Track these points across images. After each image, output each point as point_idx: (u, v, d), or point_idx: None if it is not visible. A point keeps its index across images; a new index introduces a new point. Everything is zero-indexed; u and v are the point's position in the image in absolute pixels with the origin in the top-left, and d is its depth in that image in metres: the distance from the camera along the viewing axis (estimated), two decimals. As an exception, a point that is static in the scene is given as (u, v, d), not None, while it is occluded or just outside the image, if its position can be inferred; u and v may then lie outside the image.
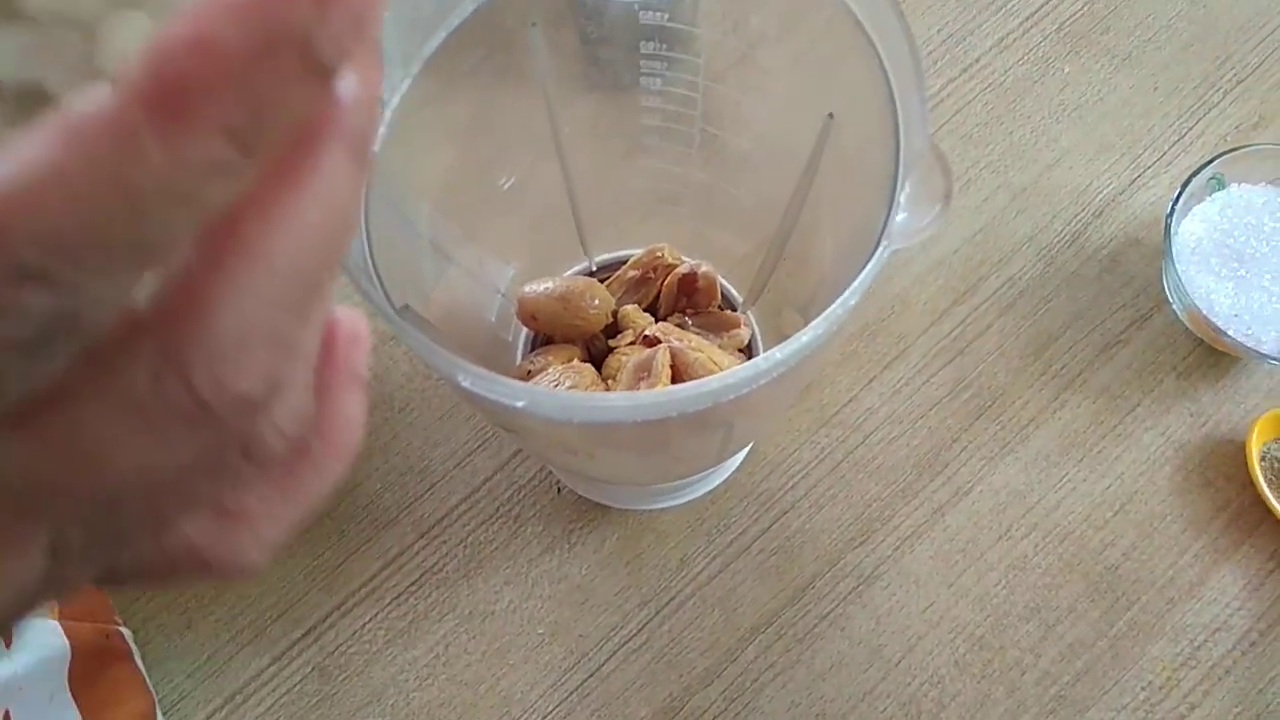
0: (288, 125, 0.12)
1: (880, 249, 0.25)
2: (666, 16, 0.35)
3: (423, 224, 0.40)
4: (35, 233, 0.11)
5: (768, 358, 0.24)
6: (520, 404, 0.24)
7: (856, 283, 0.25)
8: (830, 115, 0.34)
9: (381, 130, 0.33)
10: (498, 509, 0.54)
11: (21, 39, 0.13)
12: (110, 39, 0.13)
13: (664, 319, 0.49)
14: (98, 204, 0.11)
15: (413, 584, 0.52)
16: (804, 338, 0.25)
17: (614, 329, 0.49)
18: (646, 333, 0.44)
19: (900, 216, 0.25)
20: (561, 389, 0.43)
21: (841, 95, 0.33)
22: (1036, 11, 0.64)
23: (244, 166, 0.12)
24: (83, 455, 0.13)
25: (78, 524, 0.14)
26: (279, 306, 0.13)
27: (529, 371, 0.45)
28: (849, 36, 0.29)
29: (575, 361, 0.44)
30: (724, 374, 0.24)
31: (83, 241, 0.11)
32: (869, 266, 0.25)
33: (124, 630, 0.48)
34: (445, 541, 0.53)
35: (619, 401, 0.24)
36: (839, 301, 0.25)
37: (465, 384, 0.24)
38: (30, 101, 0.13)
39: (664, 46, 0.37)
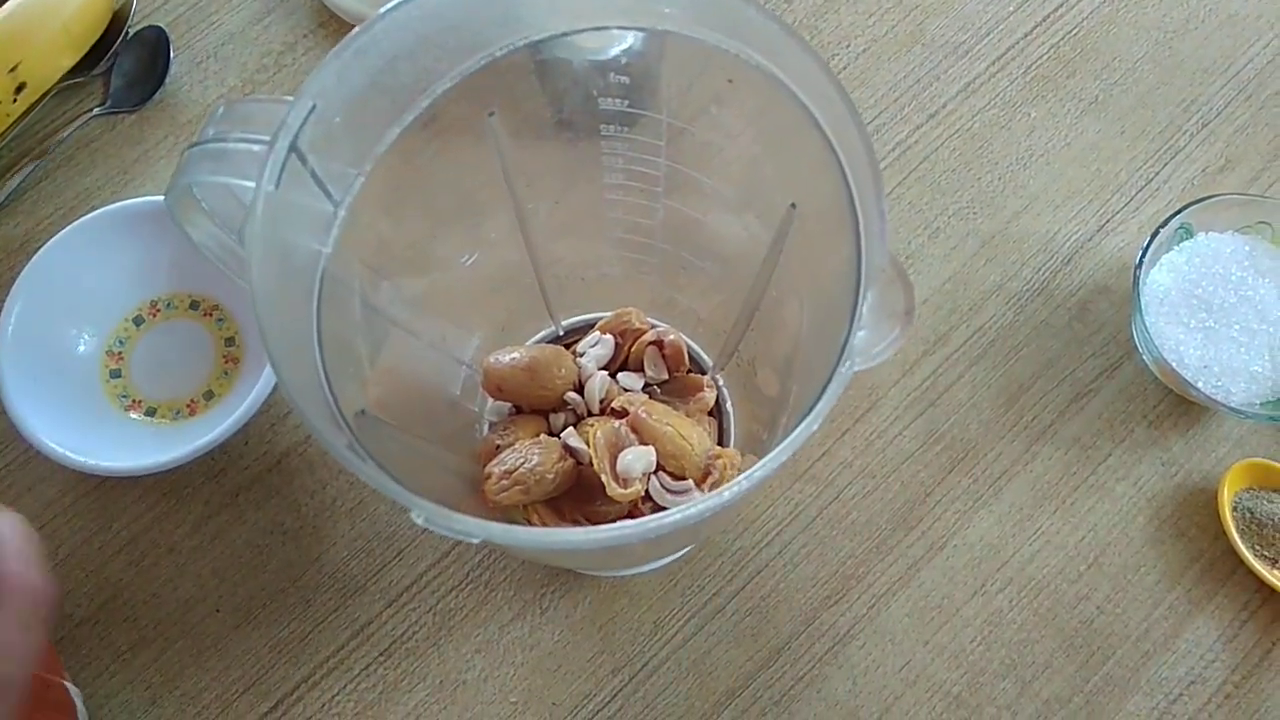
0: None
1: (842, 368, 0.25)
2: (626, 103, 0.35)
3: (380, 302, 0.39)
4: None
5: (731, 487, 0.24)
6: (477, 540, 0.23)
7: (819, 406, 0.24)
8: (793, 205, 0.34)
9: (336, 226, 0.33)
10: (468, 574, 0.53)
11: None
12: None
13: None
14: None
15: (382, 654, 0.51)
16: (770, 464, 0.24)
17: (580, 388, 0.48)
18: (614, 405, 0.44)
19: (861, 333, 0.25)
20: (528, 465, 0.42)
21: (804, 189, 0.33)
22: (1002, 56, 0.64)
23: None
24: None
25: None
26: None
27: (498, 446, 0.44)
28: (811, 139, 0.29)
29: (542, 436, 0.44)
30: (684, 506, 0.23)
31: None
32: (831, 387, 0.25)
33: (70, 686, 0.46)
34: (415, 609, 0.52)
35: (577, 535, 0.23)
36: (803, 426, 0.24)
37: (419, 520, 0.23)
38: None
39: (624, 129, 0.37)
